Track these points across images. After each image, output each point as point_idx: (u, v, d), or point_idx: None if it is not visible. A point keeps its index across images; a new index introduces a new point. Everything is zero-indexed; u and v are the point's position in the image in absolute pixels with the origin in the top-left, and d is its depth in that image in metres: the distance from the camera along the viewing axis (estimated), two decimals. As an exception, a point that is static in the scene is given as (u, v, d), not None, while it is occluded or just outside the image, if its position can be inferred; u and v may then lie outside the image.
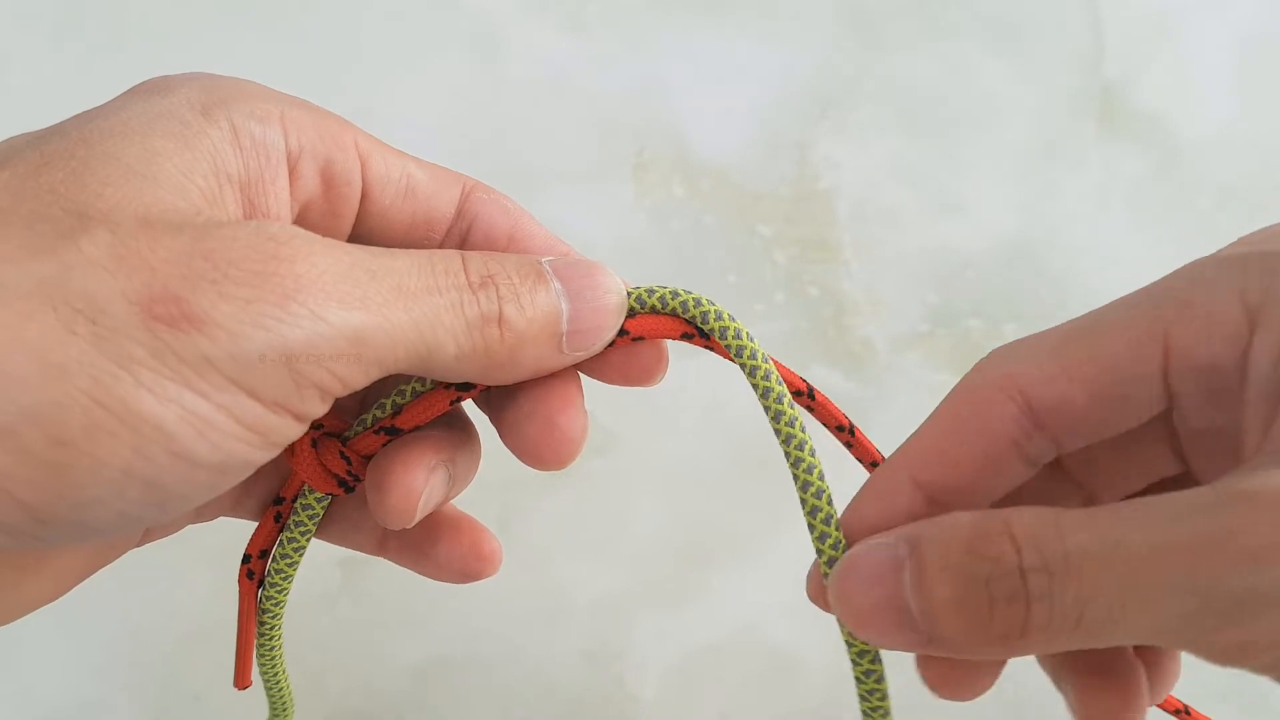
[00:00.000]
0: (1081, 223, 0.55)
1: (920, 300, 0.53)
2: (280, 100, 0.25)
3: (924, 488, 0.24)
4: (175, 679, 0.46)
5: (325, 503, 0.28)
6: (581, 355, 0.25)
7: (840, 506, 0.25)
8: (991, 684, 0.26)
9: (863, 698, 0.25)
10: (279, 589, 0.29)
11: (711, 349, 0.26)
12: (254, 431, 0.20)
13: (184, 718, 0.46)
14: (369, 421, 0.27)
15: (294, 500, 0.28)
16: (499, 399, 0.27)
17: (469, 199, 0.27)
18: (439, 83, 0.55)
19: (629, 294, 0.26)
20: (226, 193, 0.23)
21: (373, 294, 0.21)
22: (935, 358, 0.52)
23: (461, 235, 0.27)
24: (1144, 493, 0.26)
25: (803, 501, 0.25)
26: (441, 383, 0.26)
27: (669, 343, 0.27)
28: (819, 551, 0.24)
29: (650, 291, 0.26)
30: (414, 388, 0.26)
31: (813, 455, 0.25)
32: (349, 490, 0.27)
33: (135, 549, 0.28)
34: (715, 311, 0.26)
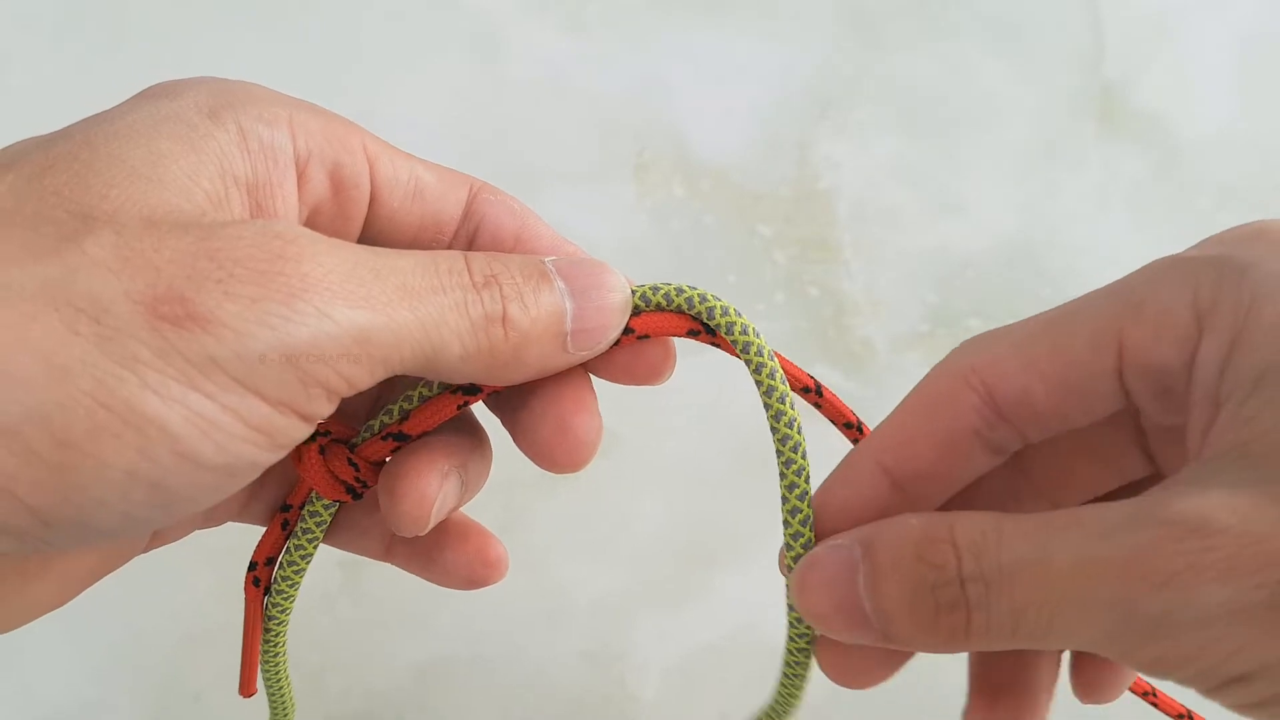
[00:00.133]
0: (1081, 223, 0.55)
1: (920, 300, 0.53)
2: (288, 104, 0.25)
3: (890, 473, 0.25)
4: (176, 680, 0.46)
5: (333, 510, 0.28)
6: (587, 354, 0.25)
7: None
8: (889, 676, 0.27)
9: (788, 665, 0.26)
10: (285, 596, 0.29)
11: (718, 345, 0.26)
12: (260, 432, 0.20)
13: (185, 718, 0.46)
14: (376, 428, 0.27)
15: (301, 507, 0.28)
16: (511, 402, 0.27)
17: (476, 200, 0.27)
18: (439, 83, 0.55)
19: (633, 292, 0.26)
20: (233, 195, 0.23)
21: (377, 293, 0.21)
22: (935, 358, 0.52)
23: (469, 236, 0.27)
24: (1115, 494, 0.26)
25: (784, 499, 0.25)
26: (448, 387, 0.26)
27: (674, 340, 0.27)
28: (789, 546, 0.25)
29: (655, 289, 0.26)
30: (421, 392, 0.26)
31: (804, 458, 0.25)
32: (357, 497, 0.27)
33: (141, 555, 0.28)
34: (721, 307, 0.26)
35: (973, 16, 0.58)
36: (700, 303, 0.26)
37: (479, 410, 0.28)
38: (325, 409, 0.21)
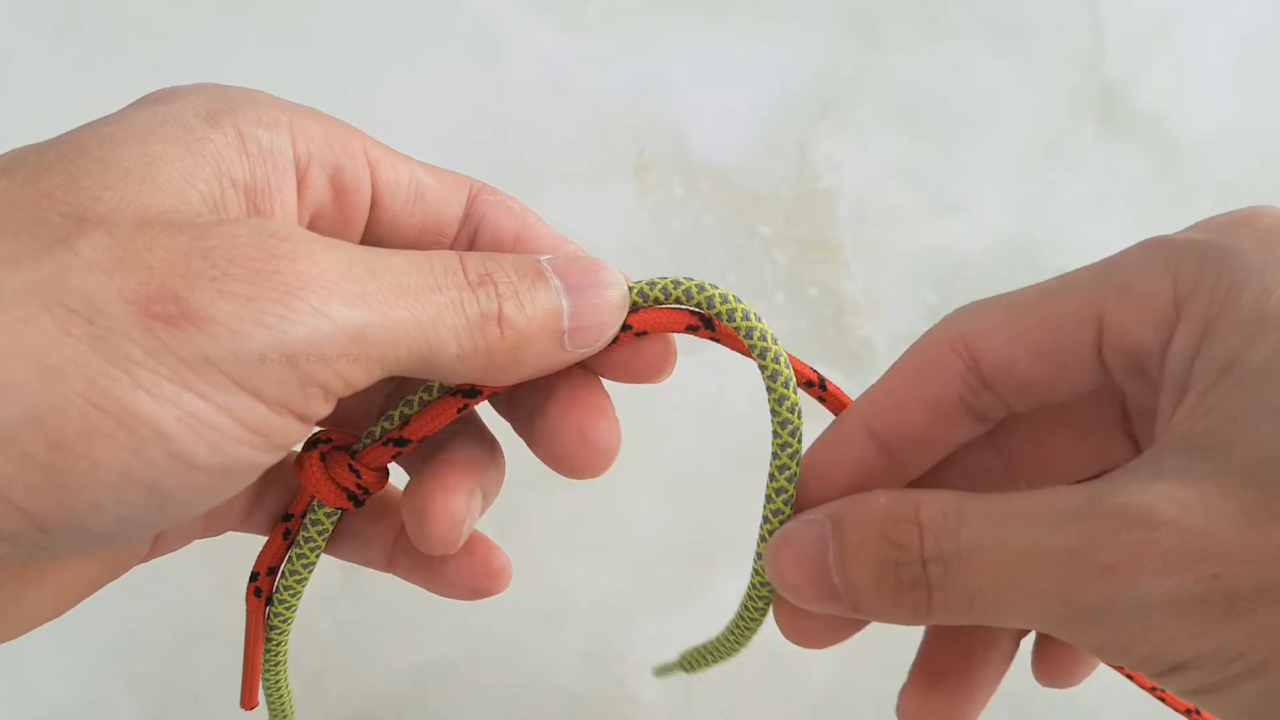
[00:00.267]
0: (1081, 223, 0.55)
1: (920, 300, 0.53)
2: (289, 109, 0.24)
3: (877, 435, 0.25)
4: (175, 679, 0.46)
5: (335, 518, 0.28)
6: (585, 352, 0.25)
7: None
8: (845, 638, 0.27)
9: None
10: (287, 605, 0.29)
11: (718, 340, 0.26)
12: (256, 433, 0.20)
13: (184, 718, 0.46)
14: (377, 433, 0.27)
15: (303, 516, 0.28)
16: (526, 410, 0.27)
17: (475, 201, 0.27)
18: (439, 83, 0.55)
19: (630, 288, 0.25)
20: (230, 197, 0.22)
21: (373, 291, 0.21)
22: (935, 358, 0.52)
23: (469, 238, 0.27)
24: (1100, 475, 0.27)
25: (772, 477, 0.26)
26: (448, 390, 0.26)
27: (674, 338, 0.27)
28: (766, 519, 0.26)
29: (652, 284, 0.26)
30: (421, 397, 0.26)
31: (800, 443, 0.26)
32: (359, 504, 0.27)
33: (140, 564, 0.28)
34: (720, 295, 0.25)
35: (973, 16, 0.58)
36: (699, 292, 0.25)
37: (493, 418, 0.28)
38: (322, 409, 0.21)
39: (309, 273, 0.20)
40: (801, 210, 0.55)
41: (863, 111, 0.57)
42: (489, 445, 0.28)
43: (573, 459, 0.26)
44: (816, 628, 0.27)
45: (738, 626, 0.28)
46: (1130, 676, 0.28)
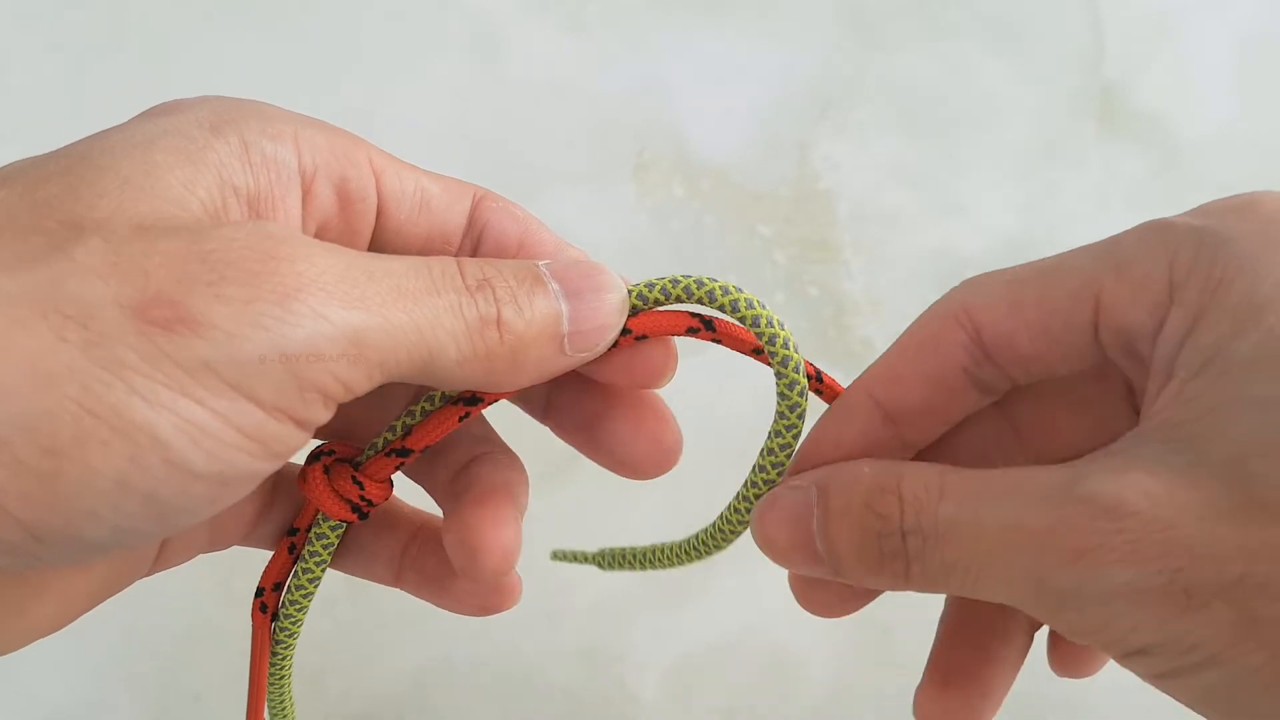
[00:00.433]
0: (1081, 223, 0.55)
1: (920, 300, 0.53)
2: (294, 120, 0.24)
3: (883, 407, 0.26)
4: (175, 680, 0.46)
5: (340, 531, 0.28)
6: (586, 356, 0.24)
7: None
8: (858, 608, 0.28)
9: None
10: (293, 620, 0.29)
11: (718, 340, 0.26)
12: (253, 439, 0.20)
13: (185, 718, 0.46)
14: (380, 445, 0.26)
15: (308, 530, 0.28)
16: (580, 419, 0.27)
17: (479, 208, 0.27)
18: (439, 83, 0.55)
19: (630, 291, 0.25)
20: (231, 205, 0.22)
21: (371, 295, 0.21)
22: (935, 358, 0.52)
23: (472, 245, 0.27)
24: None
25: (769, 450, 0.26)
26: (449, 399, 0.26)
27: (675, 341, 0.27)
28: (753, 484, 0.27)
29: (650, 285, 0.26)
30: (423, 407, 0.26)
31: (801, 422, 0.26)
32: (363, 517, 0.27)
33: (145, 578, 0.28)
34: (721, 287, 0.25)
35: (973, 16, 0.58)
36: (698, 288, 0.25)
37: (497, 423, 0.28)
38: (321, 415, 0.21)
39: (307, 275, 0.20)
40: (801, 210, 0.55)
41: (863, 111, 0.57)
42: (516, 463, 0.28)
43: (647, 464, 0.27)
44: (829, 598, 0.27)
45: (682, 551, 0.29)
46: None
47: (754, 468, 0.27)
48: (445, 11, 0.56)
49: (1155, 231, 0.23)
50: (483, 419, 0.29)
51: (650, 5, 0.57)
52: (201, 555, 0.29)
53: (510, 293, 0.23)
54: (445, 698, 0.46)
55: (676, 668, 0.47)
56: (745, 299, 0.25)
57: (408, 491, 0.29)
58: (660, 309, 0.26)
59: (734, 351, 0.27)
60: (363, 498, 0.26)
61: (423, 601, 0.30)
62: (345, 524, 0.28)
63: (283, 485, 0.29)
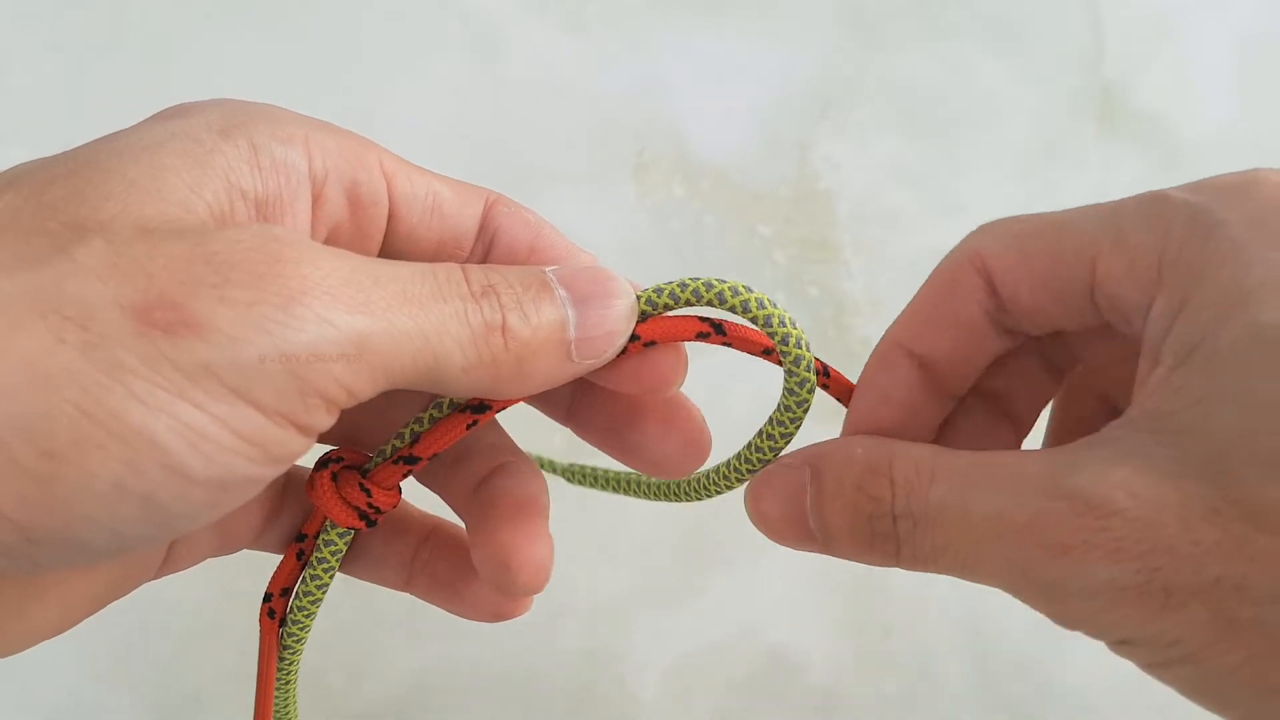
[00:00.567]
0: (1081, 223, 0.55)
1: (920, 300, 0.53)
2: (305, 123, 0.24)
3: (913, 355, 0.26)
4: (176, 680, 0.46)
5: (348, 538, 0.27)
6: (593, 363, 0.24)
7: None
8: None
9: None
10: (301, 626, 0.29)
11: (729, 344, 0.26)
12: (253, 444, 0.19)
13: (184, 717, 0.46)
14: (388, 452, 0.26)
15: (316, 537, 0.28)
16: (608, 422, 0.27)
17: (490, 212, 0.26)
18: (439, 83, 0.55)
19: (638, 297, 0.25)
20: (239, 209, 0.22)
21: (377, 299, 0.20)
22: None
23: (484, 250, 0.26)
24: None
25: (768, 434, 0.26)
26: (457, 406, 0.26)
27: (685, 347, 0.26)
28: (745, 460, 0.27)
29: (659, 290, 0.25)
30: (431, 414, 0.26)
31: (804, 415, 0.26)
32: (371, 524, 0.27)
33: (152, 580, 0.28)
34: (730, 288, 0.25)
35: (973, 16, 0.58)
36: (708, 290, 0.25)
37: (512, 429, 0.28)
38: (324, 421, 0.21)
39: (312, 278, 0.20)
40: (801, 210, 0.55)
41: (863, 111, 0.57)
42: (538, 472, 0.28)
43: (678, 462, 0.27)
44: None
45: (653, 489, 0.29)
46: None
47: (749, 445, 0.27)
48: (445, 11, 0.56)
49: (1153, 204, 0.23)
50: (499, 426, 0.29)
51: (650, 5, 0.57)
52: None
53: (516, 299, 0.23)
54: (445, 698, 0.46)
55: (676, 668, 0.47)
56: (756, 299, 0.25)
57: (417, 495, 0.29)
58: (669, 314, 0.25)
59: (742, 353, 0.26)
60: (370, 505, 0.26)
61: (424, 603, 0.30)
62: (353, 531, 0.27)
63: (292, 488, 0.29)
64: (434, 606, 0.30)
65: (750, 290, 0.25)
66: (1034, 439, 0.28)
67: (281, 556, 0.29)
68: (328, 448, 0.27)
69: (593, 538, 0.49)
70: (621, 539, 0.49)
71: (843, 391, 0.27)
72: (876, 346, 0.27)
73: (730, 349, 0.26)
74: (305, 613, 0.28)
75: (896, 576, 0.48)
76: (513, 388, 0.23)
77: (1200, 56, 0.59)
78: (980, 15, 0.58)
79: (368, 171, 0.25)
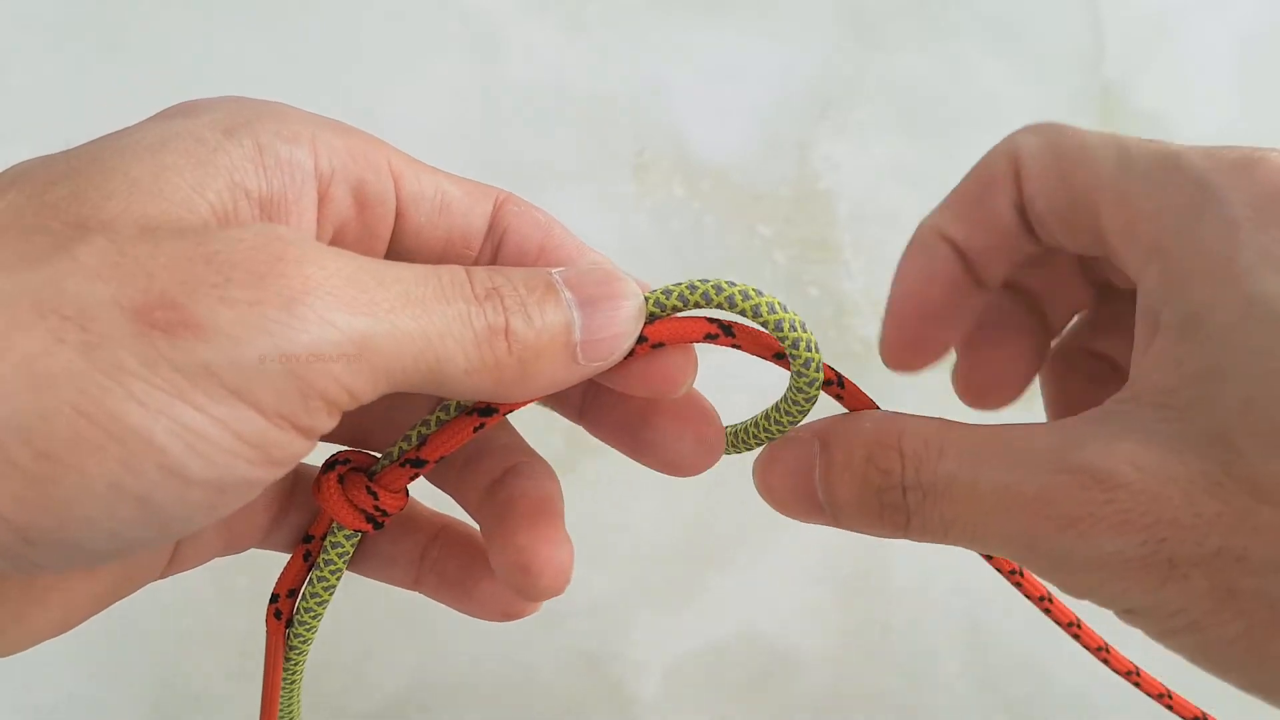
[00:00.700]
0: (1081, 223, 0.55)
1: (920, 300, 0.53)
2: (312, 121, 0.24)
3: (952, 243, 0.27)
4: (175, 679, 0.46)
5: (355, 540, 0.27)
6: (600, 366, 0.24)
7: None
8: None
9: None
10: (307, 628, 0.28)
11: (738, 346, 0.26)
12: (252, 446, 0.19)
13: (184, 717, 0.46)
14: (395, 455, 0.26)
15: (323, 538, 0.27)
16: (620, 420, 0.27)
17: (500, 212, 0.26)
18: (439, 83, 0.55)
19: (646, 299, 0.25)
20: (242, 208, 0.22)
21: (380, 300, 0.20)
22: (935, 358, 0.52)
23: (493, 250, 0.26)
24: None
25: (775, 419, 0.27)
26: (464, 409, 0.25)
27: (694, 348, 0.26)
28: (741, 433, 0.27)
29: (667, 292, 0.25)
30: (438, 417, 0.26)
31: (812, 406, 0.26)
32: (378, 527, 0.26)
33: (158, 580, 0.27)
34: (740, 292, 0.24)
35: (973, 16, 0.58)
36: (717, 294, 0.25)
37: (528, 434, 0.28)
38: (325, 423, 0.20)
39: (315, 278, 0.20)
40: (801, 210, 0.55)
41: (863, 111, 0.57)
42: (551, 473, 0.28)
43: (693, 461, 0.27)
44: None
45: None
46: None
47: (752, 421, 0.27)
48: (445, 11, 0.56)
49: (1166, 168, 0.23)
50: (511, 427, 0.29)
51: (650, 5, 0.57)
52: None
53: (519, 302, 0.22)
54: (445, 697, 0.46)
55: (676, 668, 0.47)
56: (766, 303, 0.24)
57: (425, 493, 0.29)
58: (677, 316, 0.25)
59: (753, 356, 0.26)
60: (377, 508, 0.26)
61: (423, 601, 0.29)
62: (360, 533, 0.27)
63: (300, 488, 0.29)
64: (434, 606, 0.29)
65: (761, 294, 0.25)
66: (1034, 414, 0.28)
67: (289, 556, 0.29)
68: (332, 449, 0.27)
69: (592, 538, 0.49)
70: (622, 539, 0.49)
71: (857, 404, 0.27)
72: (915, 233, 0.27)
73: (739, 350, 0.26)
74: (312, 614, 0.28)
75: (897, 576, 0.48)
76: (516, 391, 0.23)
77: (1200, 56, 0.59)
78: (980, 15, 0.58)
79: (375, 170, 0.25)
